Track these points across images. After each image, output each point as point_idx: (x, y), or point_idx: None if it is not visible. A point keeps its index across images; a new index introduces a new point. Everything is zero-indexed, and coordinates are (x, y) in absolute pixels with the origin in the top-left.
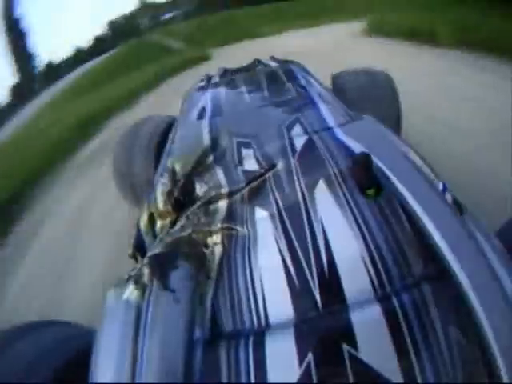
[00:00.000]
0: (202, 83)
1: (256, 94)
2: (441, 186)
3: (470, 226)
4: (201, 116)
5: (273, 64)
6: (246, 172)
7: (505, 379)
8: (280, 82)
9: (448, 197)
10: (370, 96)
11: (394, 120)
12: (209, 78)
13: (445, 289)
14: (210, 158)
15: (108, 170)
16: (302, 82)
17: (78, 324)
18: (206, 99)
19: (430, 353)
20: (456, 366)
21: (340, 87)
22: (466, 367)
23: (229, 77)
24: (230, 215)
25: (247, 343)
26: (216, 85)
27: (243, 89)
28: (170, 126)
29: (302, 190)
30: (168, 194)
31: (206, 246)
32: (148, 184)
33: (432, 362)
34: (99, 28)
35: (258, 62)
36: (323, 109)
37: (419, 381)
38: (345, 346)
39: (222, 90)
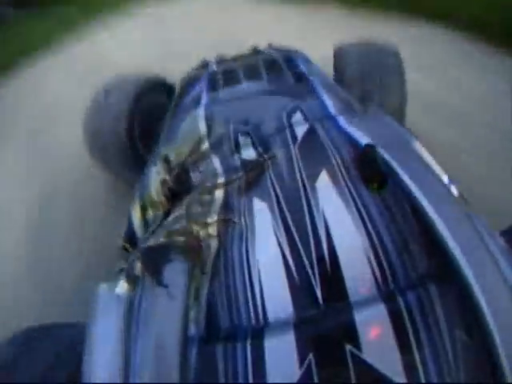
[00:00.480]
0: (198, 70)
1: (254, 81)
2: (447, 181)
3: (476, 223)
4: (197, 103)
5: (272, 52)
6: (243, 161)
7: (510, 379)
8: (279, 69)
9: (454, 191)
10: (375, 74)
11: (398, 102)
12: (205, 65)
13: (451, 287)
14: (206, 146)
15: None
16: (303, 69)
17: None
18: (201, 86)
19: (434, 353)
20: (460, 367)
21: (342, 61)
22: (471, 367)
23: (226, 64)
24: (227, 206)
25: (245, 341)
26: (213, 72)
27: (241, 76)
28: (142, 87)
29: (303, 180)
30: (162, 183)
31: (202, 238)
32: (119, 151)
33: (436, 362)
34: None
35: (256, 49)
36: (325, 97)
37: (423, 381)
38: (347, 346)
39: (219, 77)
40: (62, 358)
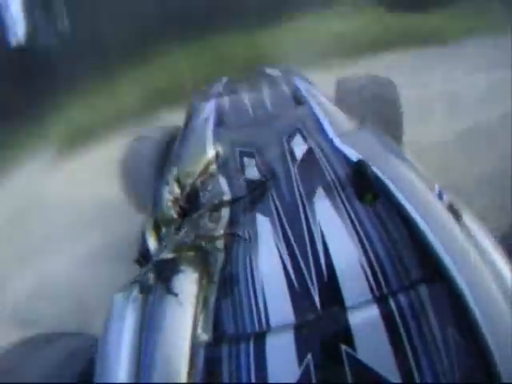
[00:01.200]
0: (206, 93)
1: (258, 104)
2: (437, 191)
3: (468, 229)
4: (205, 126)
5: (275, 74)
6: (248, 180)
7: (502, 379)
8: (281, 92)
9: (444, 202)
10: (373, 103)
11: (395, 127)
12: (212, 88)
13: (442, 291)
14: (214, 167)
15: None
16: (304, 92)
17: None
18: (209, 109)
19: (427, 353)
20: (453, 367)
21: (343, 93)
22: (464, 368)
23: (232, 87)
24: (233, 221)
25: (248, 345)
26: (219, 95)
27: (245, 99)
28: (172, 136)
29: (301, 197)
30: (173, 201)
31: (209, 251)
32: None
33: (429, 362)
34: None
35: (260, 71)
36: (323, 119)
37: (417, 380)
38: (343, 347)
39: (225, 101)
40: (63, 366)
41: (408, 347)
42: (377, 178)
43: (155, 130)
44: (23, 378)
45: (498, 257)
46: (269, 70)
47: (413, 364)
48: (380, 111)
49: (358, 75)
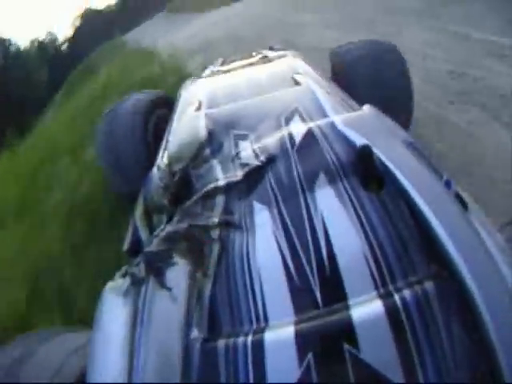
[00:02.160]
0: (199, 74)
1: (253, 85)
2: (444, 180)
3: (474, 222)
4: (197, 108)
5: (271, 54)
6: (243, 165)
7: (508, 379)
8: (278, 72)
9: (452, 191)
10: (375, 76)
11: (402, 105)
12: (206, 69)
13: (448, 287)
14: (207, 152)
15: None
16: (301, 71)
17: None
18: (202, 91)
19: (432, 352)
20: (458, 366)
21: (340, 66)
22: (469, 367)
23: (226, 67)
24: (228, 210)
25: (246, 342)
26: (213, 76)
27: (240, 80)
28: (153, 103)
29: (301, 183)
30: (164, 188)
31: (204, 241)
32: (137, 167)
33: (434, 362)
34: None
35: (255, 52)
36: (322, 99)
37: (421, 381)
38: (346, 346)
39: (219, 82)
40: (62, 365)
41: (413, 346)
42: (382, 165)
43: (133, 96)
44: (20, 378)
45: (502, 249)
46: (265, 51)
47: (417, 364)
48: (384, 86)
49: (353, 43)
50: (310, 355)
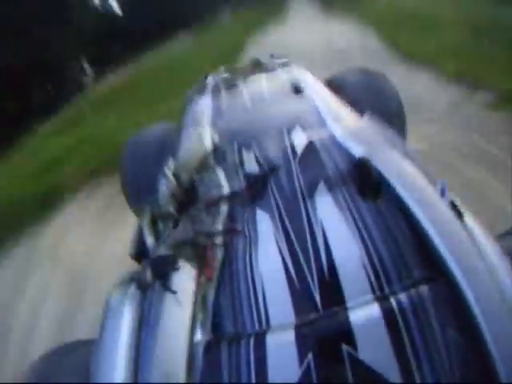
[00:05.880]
0: (202, 85)
1: (256, 95)
2: (439, 189)
3: (470, 229)
4: (201, 119)
5: (273, 64)
6: (247, 174)
7: (503, 380)
8: (280, 83)
9: (447, 199)
10: (370, 99)
11: (397, 123)
12: (208, 79)
13: (443, 290)
14: (212, 161)
15: None
16: (302, 83)
17: None
18: (206, 102)
19: (428, 353)
20: (454, 367)
21: (336, 91)
22: (465, 368)
23: (229, 77)
24: (232, 217)
25: (248, 344)
26: (216, 86)
27: (243, 90)
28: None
29: (302, 192)
30: (171, 196)
31: (208, 247)
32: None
33: (430, 363)
34: None
35: (258, 61)
36: (324, 112)
37: (418, 381)
38: (344, 347)
39: (223, 92)
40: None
41: (409, 347)
42: (379, 174)
43: (156, 126)
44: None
45: (497, 257)
46: (266, 61)
47: (414, 364)
48: (379, 106)
49: (345, 71)
50: (309, 356)
